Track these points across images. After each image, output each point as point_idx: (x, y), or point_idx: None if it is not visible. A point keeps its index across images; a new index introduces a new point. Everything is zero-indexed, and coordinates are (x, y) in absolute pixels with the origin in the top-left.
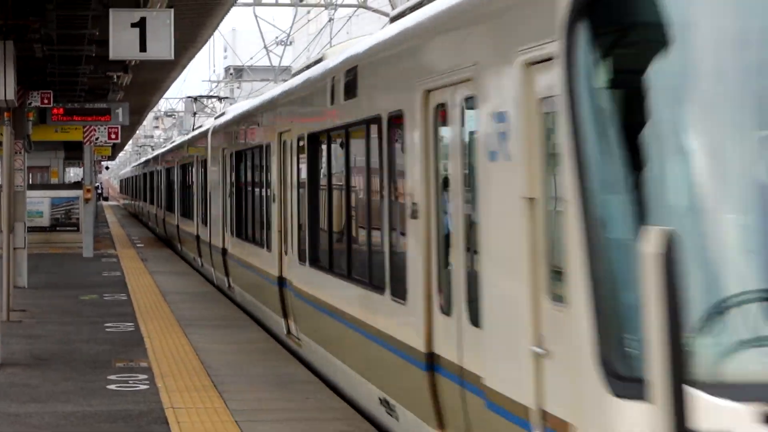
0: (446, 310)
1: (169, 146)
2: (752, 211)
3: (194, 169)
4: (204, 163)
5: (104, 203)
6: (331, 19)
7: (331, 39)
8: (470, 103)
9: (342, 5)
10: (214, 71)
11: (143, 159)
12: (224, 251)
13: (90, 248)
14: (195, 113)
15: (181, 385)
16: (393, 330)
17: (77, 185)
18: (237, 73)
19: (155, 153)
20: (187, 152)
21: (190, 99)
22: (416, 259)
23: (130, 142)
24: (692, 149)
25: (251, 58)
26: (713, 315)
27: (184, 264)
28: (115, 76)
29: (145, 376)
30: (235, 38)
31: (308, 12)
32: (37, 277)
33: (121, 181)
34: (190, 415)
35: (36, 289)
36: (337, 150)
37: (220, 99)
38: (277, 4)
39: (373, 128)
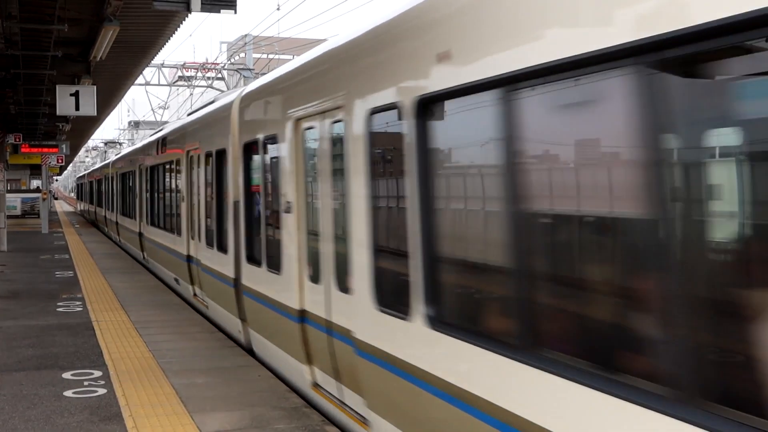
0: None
1: (91, 169)
2: None
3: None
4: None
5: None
6: (191, 94)
7: (191, 105)
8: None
9: (197, 86)
10: (120, 122)
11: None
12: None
13: (46, 228)
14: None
15: (102, 307)
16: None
17: (38, 190)
18: (135, 124)
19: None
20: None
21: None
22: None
23: (71, 164)
24: None
25: (144, 116)
26: None
27: (102, 235)
28: (60, 125)
29: (80, 303)
30: (134, 103)
31: (178, 89)
32: (13, 245)
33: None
34: (108, 324)
35: (12, 252)
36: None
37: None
38: (159, 84)
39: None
